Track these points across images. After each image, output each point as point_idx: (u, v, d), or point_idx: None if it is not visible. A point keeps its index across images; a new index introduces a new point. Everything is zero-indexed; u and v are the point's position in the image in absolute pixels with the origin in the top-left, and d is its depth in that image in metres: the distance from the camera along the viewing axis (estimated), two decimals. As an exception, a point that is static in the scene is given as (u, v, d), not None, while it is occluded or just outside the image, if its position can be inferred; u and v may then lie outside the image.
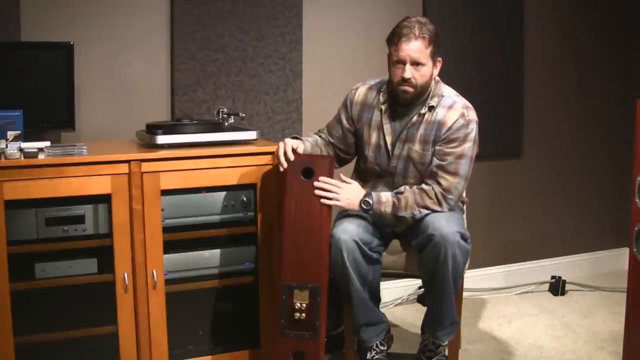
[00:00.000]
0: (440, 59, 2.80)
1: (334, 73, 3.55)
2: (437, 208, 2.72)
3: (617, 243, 4.36)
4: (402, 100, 2.79)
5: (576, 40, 4.19)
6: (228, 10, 3.32)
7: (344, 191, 2.73)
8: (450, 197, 2.74)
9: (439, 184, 2.74)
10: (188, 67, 3.27)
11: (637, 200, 2.85)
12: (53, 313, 2.68)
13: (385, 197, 2.75)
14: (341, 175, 2.79)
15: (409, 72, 2.71)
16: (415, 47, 2.70)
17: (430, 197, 2.72)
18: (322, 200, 2.68)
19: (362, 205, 2.74)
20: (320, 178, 2.69)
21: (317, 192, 2.68)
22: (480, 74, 3.89)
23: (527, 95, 4.08)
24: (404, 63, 2.72)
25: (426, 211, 2.72)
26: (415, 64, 2.71)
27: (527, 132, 4.11)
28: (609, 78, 4.30)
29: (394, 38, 2.73)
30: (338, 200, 2.71)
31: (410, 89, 2.75)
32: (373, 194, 2.76)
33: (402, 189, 2.76)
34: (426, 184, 2.76)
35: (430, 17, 3.66)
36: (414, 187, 2.76)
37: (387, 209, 2.73)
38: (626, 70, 4.32)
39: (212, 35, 3.30)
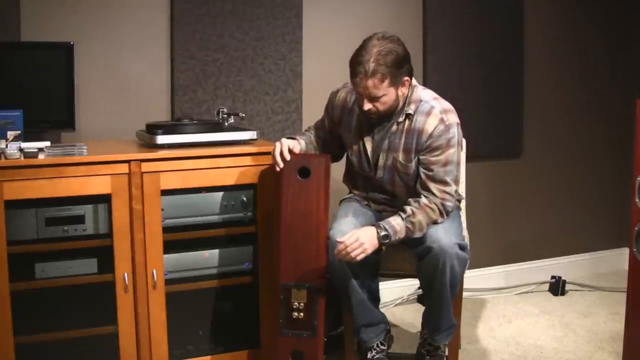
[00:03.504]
0: (407, 78, 2.67)
1: (334, 73, 3.53)
2: (440, 219, 2.71)
3: (617, 243, 4.36)
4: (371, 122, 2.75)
5: (577, 38, 4.19)
6: (228, 10, 3.32)
7: (362, 239, 2.59)
8: (447, 204, 2.72)
9: (434, 194, 2.70)
10: (188, 67, 3.27)
11: (637, 200, 2.85)
12: (53, 313, 2.68)
13: (398, 226, 2.65)
14: (344, 238, 2.64)
15: (367, 105, 2.64)
16: (369, 85, 2.58)
17: (434, 211, 2.69)
18: (357, 258, 2.58)
19: (382, 241, 2.63)
20: (341, 245, 2.58)
21: (342, 256, 2.58)
22: (480, 73, 3.89)
23: (527, 95, 4.07)
24: (361, 95, 2.65)
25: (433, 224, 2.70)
26: (373, 98, 2.63)
27: (527, 132, 4.11)
28: (610, 77, 4.30)
29: (350, 68, 2.63)
30: (365, 251, 2.59)
31: (373, 116, 2.70)
32: (386, 226, 2.64)
33: (409, 210, 2.67)
34: (424, 196, 2.70)
35: (430, 16, 3.70)
36: (415, 203, 2.69)
37: (402, 235, 2.66)
38: (627, 68, 4.32)
39: (212, 35, 3.30)
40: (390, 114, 2.72)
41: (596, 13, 4.22)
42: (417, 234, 2.68)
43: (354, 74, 2.61)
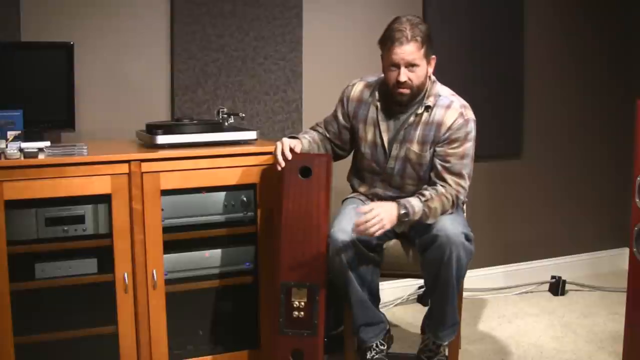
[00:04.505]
0: (434, 56, 2.78)
1: (334, 73, 3.55)
2: (451, 210, 2.74)
3: (617, 243, 4.36)
4: (399, 103, 2.78)
5: (577, 38, 4.19)
6: (228, 10, 3.32)
7: (382, 214, 2.60)
8: (460, 197, 2.76)
9: (449, 185, 2.74)
10: (188, 67, 3.27)
11: (637, 200, 2.85)
12: (53, 313, 2.68)
13: (417, 207, 2.67)
14: (363, 208, 2.65)
15: (404, 75, 2.70)
16: (408, 50, 2.68)
17: (448, 201, 2.72)
18: (376, 234, 2.60)
19: (402, 219, 2.65)
20: (362, 219, 2.59)
21: (361, 231, 2.60)
22: (480, 72, 3.89)
23: (527, 95, 4.08)
24: (398, 67, 2.70)
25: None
26: (410, 65, 2.70)
27: (527, 132, 4.11)
28: (609, 77, 4.30)
29: (387, 42, 2.71)
30: (383, 227, 2.61)
31: (406, 91, 2.74)
32: (407, 204, 2.66)
33: (427, 195, 2.70)
34: (440, 185, 2.74)
35: (430, 17, 3.71)
36: (433, 190, 2.72)
37: (417, 217, 2.68)
38: (627, 68, 4.32)
39: (212, 35, 3.30)
40: (412, 99, 2.77)
41: (596, 13, 4.22)
42: (430, 220, 2.69)
43: (392, 41, 2.69)
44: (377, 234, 2.61)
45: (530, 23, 4.03)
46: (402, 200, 2.68)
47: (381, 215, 2.60)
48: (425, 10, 3.75)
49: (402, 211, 2.64)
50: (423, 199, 2.69)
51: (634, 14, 4.30)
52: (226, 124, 3.01)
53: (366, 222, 2.58)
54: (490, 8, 3.90)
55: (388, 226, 2.63)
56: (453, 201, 2.73)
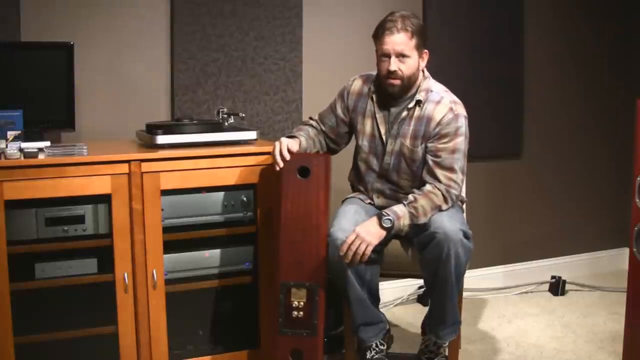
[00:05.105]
0: (426, 51, 2.81)
1: (334, 73, 3.55)
2: (445, 206, 2.73)
3: (617, 243, 4.36)
4: (390, 94, 2.80)
5: (576, 39, 4.20)
6: (228, 10, 3.33)
7: (363, 233, 2.64)
8: (453, 191, 2.75)
9: (439, 181, 2.74)
10: (188, 67, 3.28)
11: (637, 200, 2.85)
12: (53, 313, 2.68)
13: (401, 212, 2.69)
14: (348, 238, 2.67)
15: (394, 64, 2.73)
16: (398, 40, 2.72)
17: (437, 197, 2.72)
18: (362, 257, 2.63)
19: (384, 225, 2.67)
20: (344, 246, 2.62)
21: (349, 258, 2.63)
22: (480, 74, 3.90)
23: (527, 96, 4.08)
24: (388, 56, 2.74)
25: (438, 211, 2.72)
26: (400, 55, 2.73)
27: (527, 132, 4.11)
28: (609, 77, 4.30)
29: (378, 32, 2.76)
30: (370, 243, 2.64)
31: (397, 82, 2.76)
32: (388, 212, 2.69)
33: (411, 197, 2.72)
34: (428, 183, 2.76)
35: (430, 19, 3.71)
36: (419, 191, 2.74)
37: (406, 221, 2.69)
38: (627, 68, 4.32)
39: (212, 35, 3.30)
40: (404, 94, 2.80)
41: (596, 14, 4.22)
42: (422, 219, 2.70)
43: (382, 31, 2.74)
44: (367, 252, 2.63)
45: (530, 25, 4.03)
46: (384, 210, 2.71)
47: (362, 234, 2.63)
48: (425, 12, 3.75)
49: (385, 218, 2.66)
50: (406, 202, 2.72)
51: (633, 16, 4.30)
52: (226, 124, 3.02)
53: (348, 248, 2.62)
54: (490, 10, 3.90)
55: (375, 240, 2.65)
56: (444, 196, 2.73)
